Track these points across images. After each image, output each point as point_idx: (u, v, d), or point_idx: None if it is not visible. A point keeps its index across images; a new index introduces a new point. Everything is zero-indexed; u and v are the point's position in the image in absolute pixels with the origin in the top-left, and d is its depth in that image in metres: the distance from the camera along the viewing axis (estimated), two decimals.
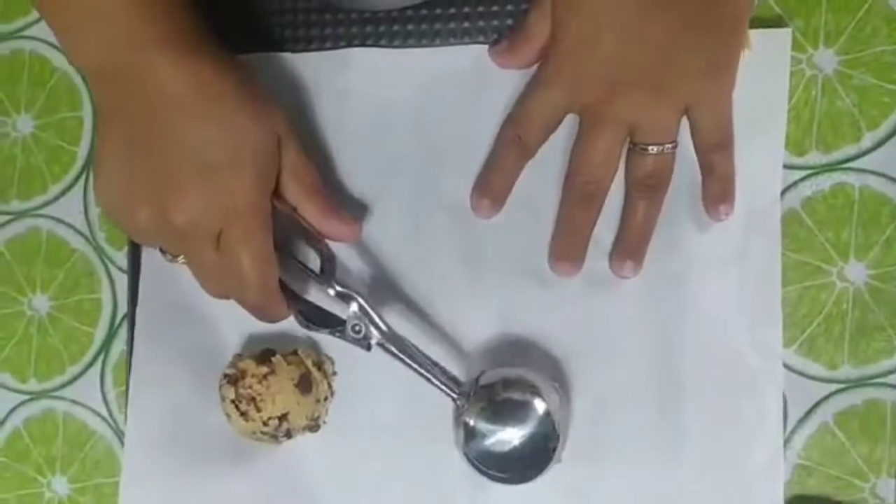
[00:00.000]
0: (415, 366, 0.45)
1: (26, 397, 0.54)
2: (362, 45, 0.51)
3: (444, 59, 0.50)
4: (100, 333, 0.53)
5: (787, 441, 0.46)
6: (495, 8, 0.50)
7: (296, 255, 0.49)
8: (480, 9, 0.50)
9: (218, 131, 0.43)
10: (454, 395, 0.45)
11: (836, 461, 0.45)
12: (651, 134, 0.45)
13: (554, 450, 0.44)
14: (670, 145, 0.45)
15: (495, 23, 0.49)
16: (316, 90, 0.51)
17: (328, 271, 0.46)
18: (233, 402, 0.47)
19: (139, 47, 0.42)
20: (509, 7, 0.49)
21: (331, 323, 0.46)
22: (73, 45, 0.44)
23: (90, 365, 0.53)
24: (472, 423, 0.45)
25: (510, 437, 0.45)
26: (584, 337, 0.47)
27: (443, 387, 0.45)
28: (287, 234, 0.47)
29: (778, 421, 0.45)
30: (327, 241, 0.47)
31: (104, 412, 0.53)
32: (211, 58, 0.43)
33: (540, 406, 0.44)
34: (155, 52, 0.42)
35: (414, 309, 0.49)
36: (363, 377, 0.49)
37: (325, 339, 0.49)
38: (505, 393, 0.45)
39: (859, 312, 0.46)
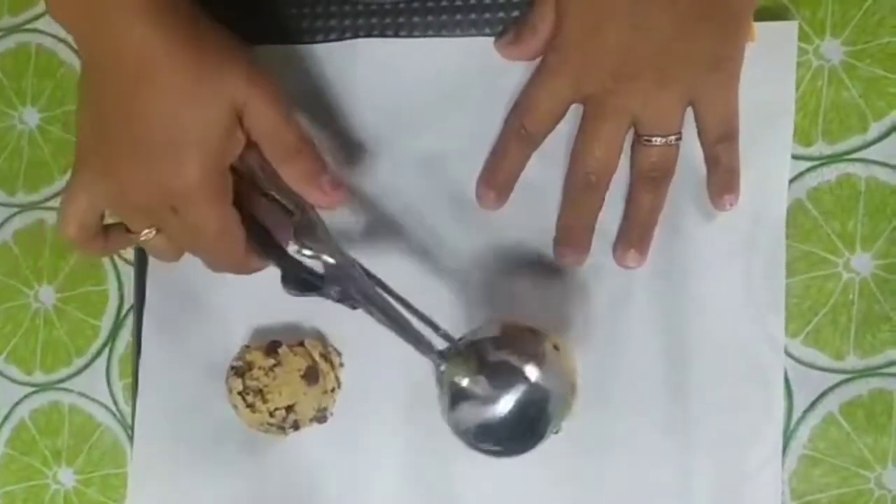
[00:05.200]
0: (396, 326, 0.42)
1: (32, 389, 0.54)
2: (369, 36, 0.51)
3: (451, 50, 0.50)
4: (106, 325, 0.53)
5: (792, 431, 0.46)
6: None
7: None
8: (487, 0, 0.50)
9: (168, 106, 0.40)
10: (433, 356, 0.42)
11: (842, 452, 0.46)
12: (655, 126, 0.45)
13: (545, 424, 0.41)
14: (674, 137, 0.45)
15: (501, 14, 0.49)
16: (322, 82, 0.51)
17: (300, 233, 0.43)
18: (240, 393, 0.47)
19: (117, 6, 0.40)
20: None
21: (316, 283, 0.44)
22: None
23: (96, 357, 0.53)
24: (461, 383, 0.41)
25: (501, 404, 0.41)
26: (589, 326, 0.47)
27: (424, 346, 0.42)
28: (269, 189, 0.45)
29: (780, 411, 0.46)
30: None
31: (110, 404, 0.53)
32: (184, 24, 0.41)
33: (532, 373, 0.41)
34: (131, 12, 0.40)
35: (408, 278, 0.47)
36: (370, 368, 0.49)
37: (332, 330, 0.49)
38: (497, 353, 0.41)
39: (865, 303, 0.46)
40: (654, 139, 0.45)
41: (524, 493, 0.47)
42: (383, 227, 0.50)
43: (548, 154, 0.47)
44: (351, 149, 0.50)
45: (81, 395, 0.53)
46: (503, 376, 0.41)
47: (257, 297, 0.50)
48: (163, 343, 0.51)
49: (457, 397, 0.41)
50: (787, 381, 0.46)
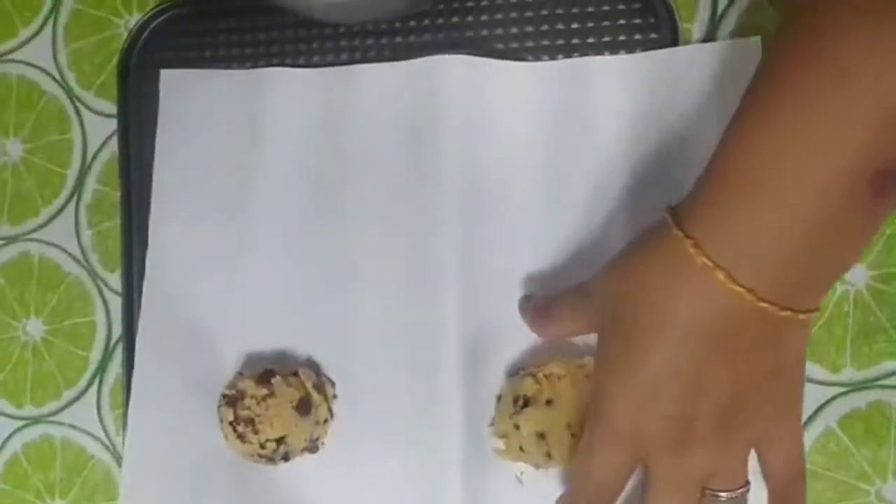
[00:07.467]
0: None
1: (23, 423, 0.53)
2: (351, 59, 0.50)
3: (450, 69, 0.49)
4: (95, 357, 0.53)
5: None
6: (484, 18, 0.49)
7: None
8: (470, 18, 0.49)
9: None
10: None
11: (841, 465, 0.45)
12: (723, 483, 0.40)
13: None
14: (742, 489, 0.40)
15: (484, 32, 0.49)
16: (304, 105, 0.50)
17: None
18: (230, 423, 0.46)
19: None
20: (498, 16, 0.49)
21: None
22: None
23: (86, 389, 0.53)
24: None
25: None
26: None
27: None
28: None
29: None
30: None
31: (102, 435, 0.52)
32: None
33: None
34: None
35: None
36: (364, 400, 0.48)
37: (326, 358, 0.49)
38: None
39: (861, 314, 0.45)
40: (721, 494, 0.40)
41: None
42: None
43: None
44: (347, 170, 0.50)
45: (73, 427, 0.53)
46: None
47: (250, 323, 0.50)
48: (155, 371, 0.50)
49: None
50: None
